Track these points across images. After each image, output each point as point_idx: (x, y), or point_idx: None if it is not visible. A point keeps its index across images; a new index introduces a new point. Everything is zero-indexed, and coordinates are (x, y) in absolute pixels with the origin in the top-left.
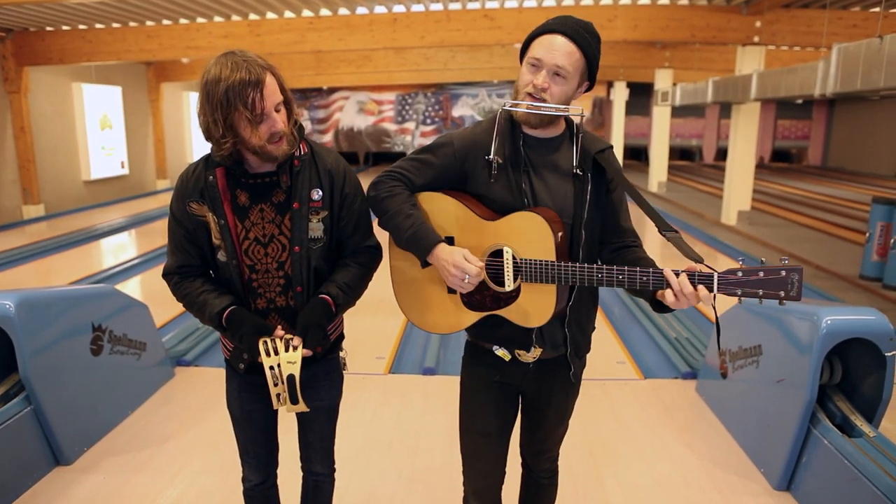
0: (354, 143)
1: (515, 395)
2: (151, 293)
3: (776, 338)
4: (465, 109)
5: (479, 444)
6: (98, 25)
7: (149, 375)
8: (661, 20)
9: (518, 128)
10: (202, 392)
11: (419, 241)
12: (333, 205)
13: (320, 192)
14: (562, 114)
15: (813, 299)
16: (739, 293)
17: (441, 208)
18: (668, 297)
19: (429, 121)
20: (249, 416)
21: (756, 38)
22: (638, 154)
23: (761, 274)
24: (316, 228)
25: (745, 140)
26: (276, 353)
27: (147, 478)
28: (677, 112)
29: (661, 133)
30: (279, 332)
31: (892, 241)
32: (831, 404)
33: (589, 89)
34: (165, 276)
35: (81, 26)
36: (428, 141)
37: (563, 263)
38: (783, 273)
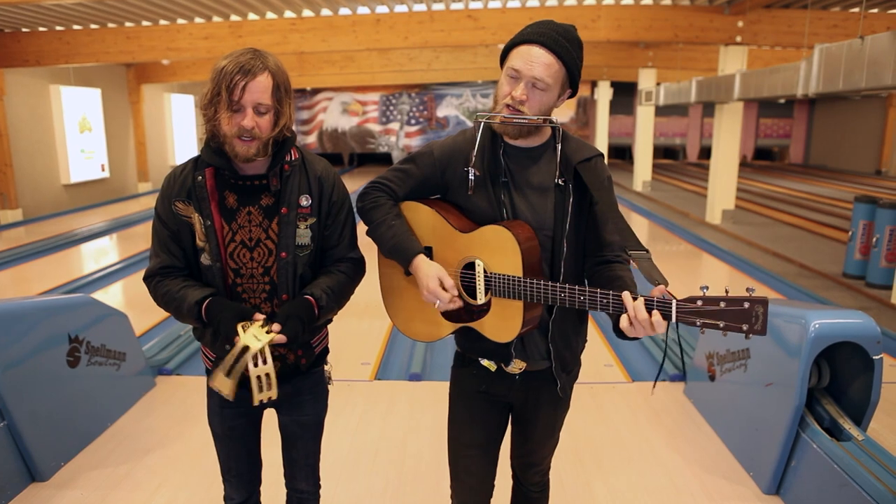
0: (339, 144)
1: (503, 407)
2: (133, 299)
3: (764, 341)
4: (450, 110)
5: (465, 456)
6: (76, 26)
7: (128, 386)
8: (645, 20)
9: (499, 138)
10: (184, 402)
11: (400, 252)
12: (321, 212)
13: (309, 199)
14: (537, 124)
15: (800, 301)
16: (699, 323)
17: (420, 219)
18: (622, 322)
19: (413, 121)
20: (231, 432)
21: (738, 38)
22: (622, 153)
23: (722, 304)
24: (303, 235)
25: (728, 139)
26: (257, 339)
27: (126, 493)
28: (661, 111)
29: (645, 132)
30: (259, 316)
31: (874, 239)
32: (819, 407)
33: (571, 97)
34: (146, 278)
35: (58, 27)
36: (413, 141)
37: (528, 280)
38: (746, 305)
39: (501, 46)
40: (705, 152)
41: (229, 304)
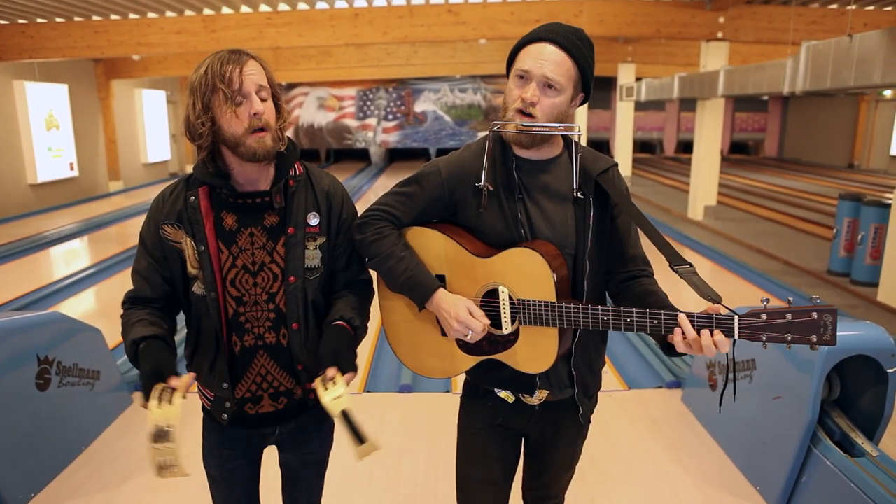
0: (315, 140)
1: (518, 439)
2: (106, 306)
3: (772, 353)
4: (428, 105)
5: (478, 493)
6: (39, 20)
7: (103, 405)
8: (627, 15)
9: (510, 150)
10: None
11: (417, 288)
12: (331, 231)
13: (317, 217)
14: (558, 132)
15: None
16: (764, 338)
17: (430, 245)
18: (679, 345)
19: (391, 116)
20: (231, 475)
21: (720, 34)
22: (599, 148)
23: (788, 317)
24: (313, 256)
25: (710, 135)
26: (171, 403)
27: None
28: (638, 105)
29: (625, 128)
30: (174, 381)
31: (859, 236)
32: (829, 420)
33: (585, 102)
34: (122, 305)
35: (21, 20)
36: (390, 137)
37: (564, 305)
38: (814, 315)
39: (483, 42)
40: (682, 146)
41: (160, 354)
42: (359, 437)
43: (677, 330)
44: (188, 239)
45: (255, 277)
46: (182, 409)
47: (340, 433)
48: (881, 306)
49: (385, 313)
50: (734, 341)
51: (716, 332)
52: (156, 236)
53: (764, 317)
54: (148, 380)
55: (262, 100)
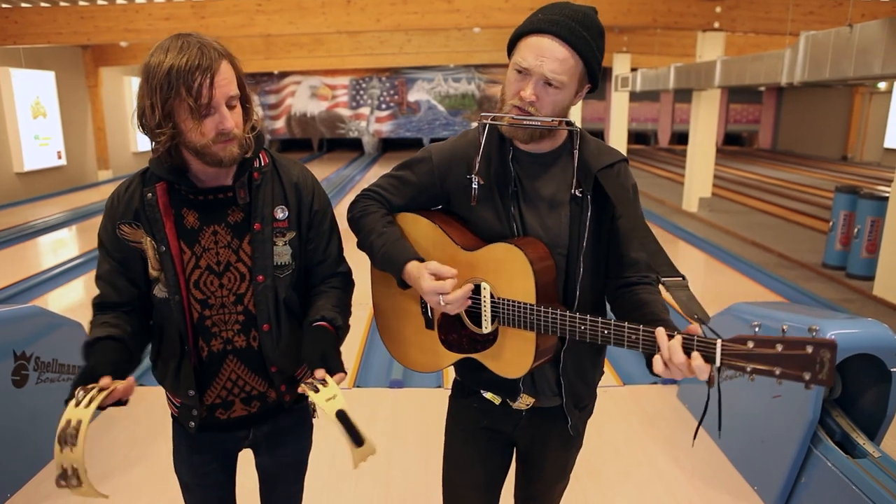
0: (308, 129)
1: (507, 443)
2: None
3: None
4: (422, 94)
5: (463, 497)
6: (24, 4)
7: None
8: (623, 4)
9: (507, 142)
10: (148, 416)
11: (391, 260)
12: (301, 224)
13: (286, 210)
14: (552, 127)
15: (809, 307)
16: (749, 369)
17: (418, 232)
18: (655, 364)
19: (384, 106)
20: (204, 480)
21: (716, 24)
22: None
23: (779, 348)
24: (282, 253)
25: (705, 126)
26: (89, 404)
27: None
28: (632, 96)
29: (619, 118)
30: (104, 381)
31: (855, 230)
32: (830, 420)
33: (592, 91)
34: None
35: (5, 5)
36: (384, 126)
37: (542, 308)
38: (809, 349)
39: (477, 30)
40: (676, 137)
41: (100, 355)
42: (356, 440)
43: (658, 353)
44: (148, 238)
45: (221, 278)
46: (83, 447)
47: (321, 435)
48: (877, 300)
49: (376, 299)
50: (718, 368)
51: (694, 354)
52: (114, 237)
53: (751, 344)
54: (77, 378)
55: (231, 107)
